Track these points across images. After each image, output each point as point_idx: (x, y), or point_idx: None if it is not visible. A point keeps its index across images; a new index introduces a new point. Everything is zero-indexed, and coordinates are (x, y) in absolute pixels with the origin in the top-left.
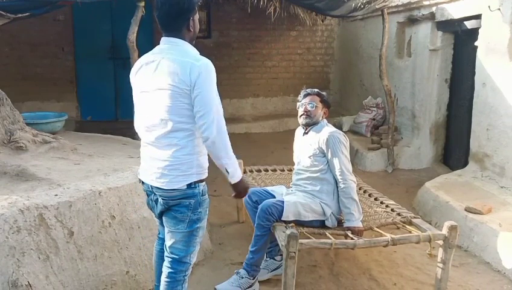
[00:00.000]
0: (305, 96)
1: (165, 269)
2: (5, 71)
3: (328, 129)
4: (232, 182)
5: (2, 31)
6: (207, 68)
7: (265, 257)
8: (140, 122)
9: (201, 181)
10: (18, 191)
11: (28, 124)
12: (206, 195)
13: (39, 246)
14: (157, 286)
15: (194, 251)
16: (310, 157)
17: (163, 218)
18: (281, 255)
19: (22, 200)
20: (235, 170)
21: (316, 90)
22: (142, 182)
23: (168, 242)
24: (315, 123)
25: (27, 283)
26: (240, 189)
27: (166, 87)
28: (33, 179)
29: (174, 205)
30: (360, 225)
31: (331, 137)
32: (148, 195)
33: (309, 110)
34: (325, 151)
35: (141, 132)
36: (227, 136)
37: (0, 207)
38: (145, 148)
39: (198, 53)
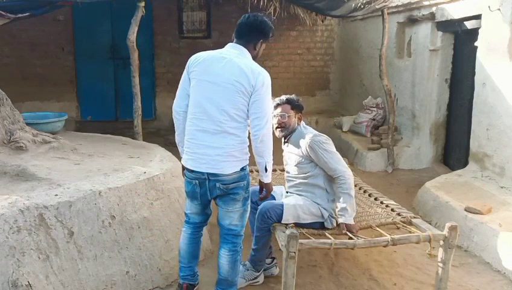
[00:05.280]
0: (276, 107)
1: (226, 245)
2: (5, 71)
3: (307, 135)
4: (265, 181)
5: (2, 31)
6: (269, 81)
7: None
8: (191, 108)
9: (248, 164)
10: (18, 191)
11: (28, 124)
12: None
13: (39, 246)
14: (186, 267)
15: (245, 224)
16: (295, 166)
17: (220, 202)
18: (272, 257)
19: (22, 200)
20: (271, 171)
21: (284, 98)
22: (190, 171)
23: (226, 221)
24: (292, 131)
25: (27, 283)
26: (269, 188)
27: (235, 84)
28: (33, 179)
29: (233, 188)
30: (353, 222)
31: (313, 143)
32: (190, 182)
33: (282, 122)
34: (312, 157)
35: (190, 117)
36: (272, 141)
37: (0, 207)
38: (195, 136)
39: None
